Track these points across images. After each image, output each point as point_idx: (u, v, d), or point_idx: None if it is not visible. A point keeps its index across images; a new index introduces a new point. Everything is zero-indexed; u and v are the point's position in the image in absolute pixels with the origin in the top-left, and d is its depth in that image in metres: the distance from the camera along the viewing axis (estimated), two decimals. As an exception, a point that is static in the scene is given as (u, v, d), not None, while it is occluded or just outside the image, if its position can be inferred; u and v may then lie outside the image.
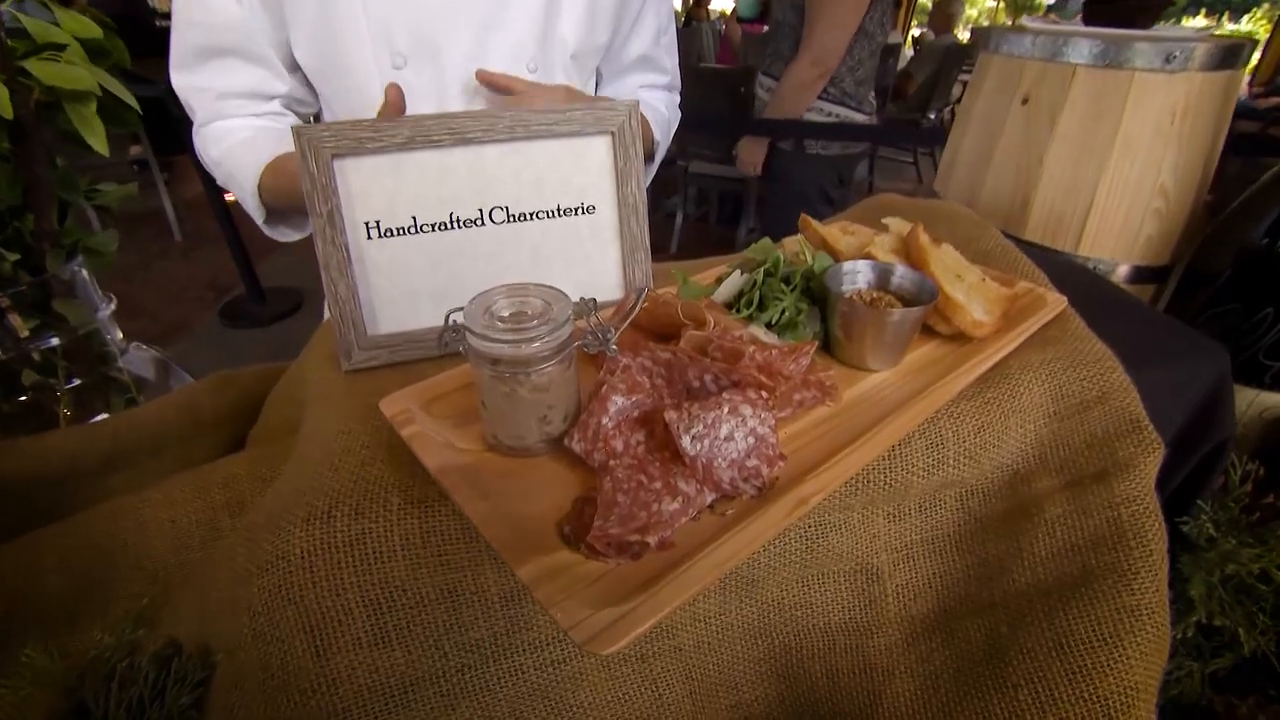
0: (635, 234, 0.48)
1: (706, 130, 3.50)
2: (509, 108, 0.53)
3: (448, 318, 0.36)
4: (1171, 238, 0.80)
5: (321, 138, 0.43)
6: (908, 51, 6.91)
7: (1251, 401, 0.75)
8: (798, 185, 2.14)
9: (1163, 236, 0.80)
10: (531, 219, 0.46)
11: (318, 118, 0.85)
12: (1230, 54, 0.73)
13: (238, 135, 0.77)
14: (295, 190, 0.58)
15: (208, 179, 3.07)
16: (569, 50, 0.84)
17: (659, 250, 4.06)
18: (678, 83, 1.06)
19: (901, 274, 0.47)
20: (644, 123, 0.88)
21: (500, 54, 0.80)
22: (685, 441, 0.33)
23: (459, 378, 0.42)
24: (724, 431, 0.34)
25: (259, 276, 3.59)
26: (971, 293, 0.49)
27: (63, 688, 0.41)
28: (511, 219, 0.46)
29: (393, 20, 0.75)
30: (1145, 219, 0.78)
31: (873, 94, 2.21)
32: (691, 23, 7.36)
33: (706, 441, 0.34)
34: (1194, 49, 0.72)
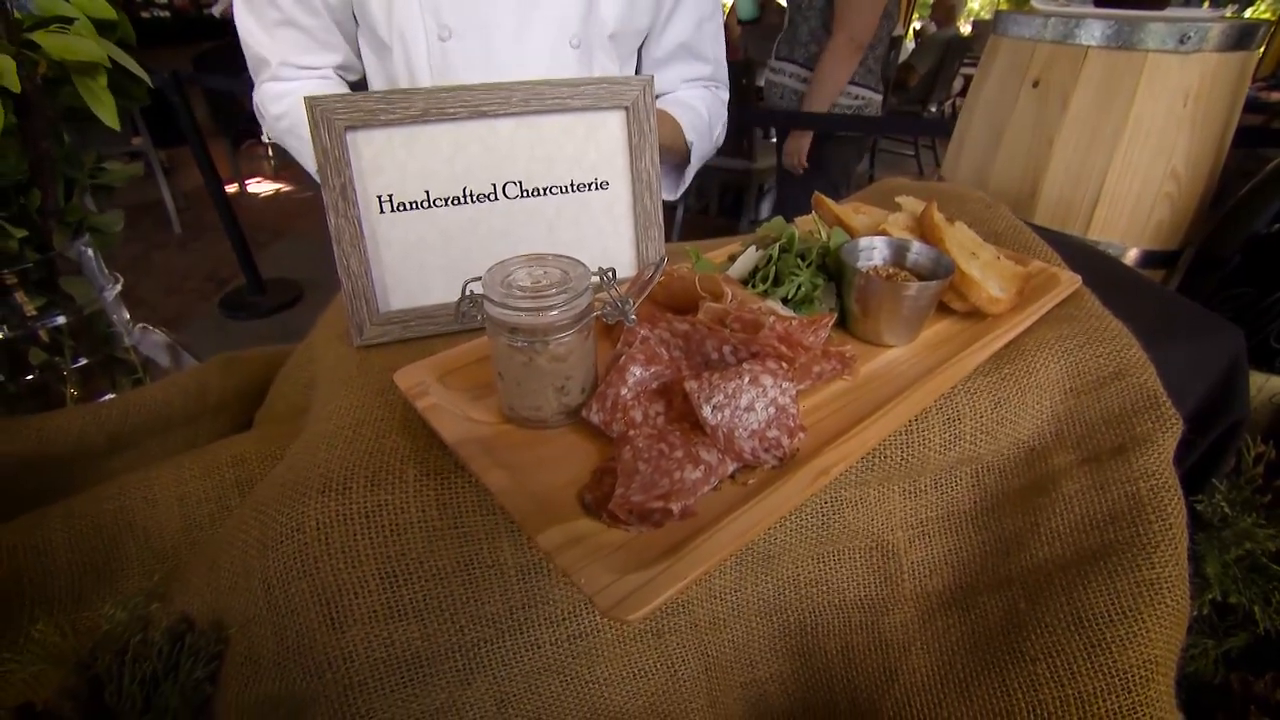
0: (649, 210, 0.48)
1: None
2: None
3: (465, 287, 0.36)
4: (1182, 222, 0.80)
5: (334, 109, 0.42)
6: (909, 44, 6.88)
7: (1262, 386, 0.75)
8: (826, 167, 2.19)
9: (1174, 221, 0.79)
10: (545, 194, 0.46)
11: (363, 84, 0.87)
12: (1246, 34, 0.73)
13: (297, 93, 0.81)
14: None
15: (208, 170, 3.06)
16: (609, 30, 0.85)
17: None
18: (724, 76, 1.04)
19: (918, 249, 0.46)
20: (675, 123, 0.88)
21: (545, 30, 0.81)
22: (706, 411, 0.33)
23: (474, 351, 0.41)
24: (744, 401, 0.34)
25: (259, 268, 3.58)
26: (987, 270, 0.48)
27: (74, 663, 0.40)
28: (525, 194, 0.46)
29: (434, 3, 0.76)
30: (1156, 203, 0.78)
31: (881, 72, 2.25)
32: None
33: (727, 411, 0.33)
34: (1209, 29, 0.71)
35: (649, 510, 0.30)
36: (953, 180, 0.94)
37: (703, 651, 0.42)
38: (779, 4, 5.08)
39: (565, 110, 0.45)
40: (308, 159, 0.82)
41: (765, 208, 3.79)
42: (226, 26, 5.78)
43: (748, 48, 4.85)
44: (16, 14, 0.48)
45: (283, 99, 0.81)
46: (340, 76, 0.85)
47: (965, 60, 5.76)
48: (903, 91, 5.62)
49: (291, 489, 0.37)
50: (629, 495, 0.30)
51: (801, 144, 2.17)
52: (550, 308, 0.32)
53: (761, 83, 2.67)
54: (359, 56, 0.85)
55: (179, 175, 5.05)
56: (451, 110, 0.44)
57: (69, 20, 0.52)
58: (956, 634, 0.43)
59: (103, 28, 0.55)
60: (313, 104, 0.43)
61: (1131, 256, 0.82)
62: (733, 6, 4.87)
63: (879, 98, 2.20)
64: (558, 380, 0.35)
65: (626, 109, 0.46)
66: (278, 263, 4.13)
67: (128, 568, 0.49)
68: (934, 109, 5.46)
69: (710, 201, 4.35)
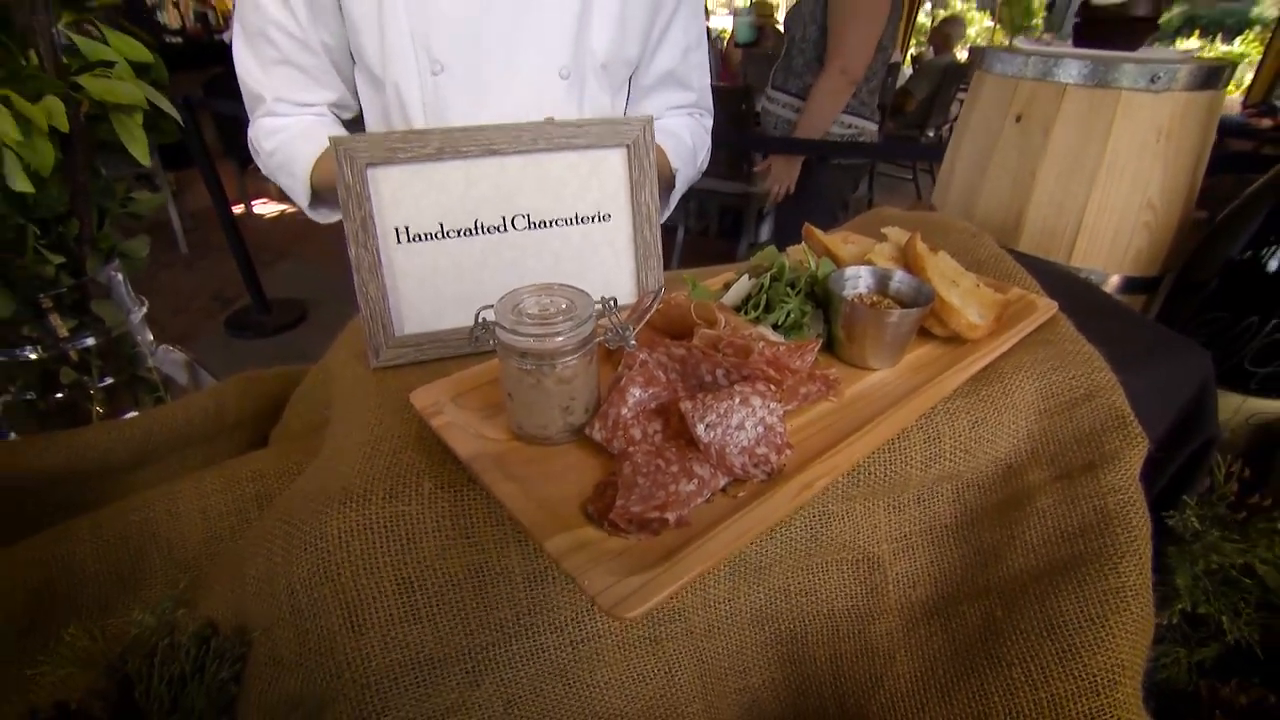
0: (648, 241, 0.51)
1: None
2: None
3: (478, 315, 0.39)
4: (1160, 250, 0.83)
5: (356, 148, 0.46)
6: (907, 70, 7.00)
7: (1239, 408, 0.77)
8: (821, 193, 2.23)
9: (1152, 249, 0.83)
10: (551, 226, 0.49)
11: (357, 121, 0.90)
12: (1212, 75, 0.76)
13: (292, 129, 0.84)
14: None
15: (216, 191, 3.11)
16: (599, 60, 0.88)
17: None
18: (708, 103, 1.07)
19: (900, 278, 0.50)
20: (661, 151, 0.91)
21: (534, 62, 0.84)
22: (700, 429, 0.36)
23: (485, 373, 0.44)
24: (735, 420, 0.37)
25: (264, 288, 3.62)
26: (966, 297, 0.52)
27: (104, 666, 0.43)
28: (532, 226, 0.49)
29: (432, 29, 0.79)
30: (1135, 232, 0.81)
31: (877, 103, 2.31)
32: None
33: (719, 429, 0.36)
34: (1177, 70, 0.75)
35: (647, 520, 0.32)
36: (942, 207, 0.98)
37: (698, 658, 0.45)
38: (776, 29, 5.19)
39: (571, 148, 0.49)
40: (299, 194, 0.84)
41: (765, 230, 3.84)
42: (236, 52, 5.88)
43: (747, 73, 4.95)
44: (65, 58, 0.52)
45: (276, 134, 0.83)
46: (335, 114, 0.87)
47: (961, 86, 5.84)
48: (900, 116, 5.71)
49: (315, 501, 0.40)
50: (629, 506, 0.33)
51: (789, 171, 2.20)
52: (557, 334, 0.35)
53: (760, 108, 2.71)
54: (354, 95, 0.88)
55: (186, 196, 5.12)
56: (465, 149, 0.47)
57: (110, 63, 0.56)
58: (938, 641, 0.45)
59: (139, 69, 0.59)
60: (337, 143, 0.46)
61: (1114, 282, 0.85)
62: (732, 30, 4.97)
63: (873, 126, 2.24)
64: (563, 401, 0.38)
65: (628, 147, 0.50)
66: (282, 283, 4.17)
67: (152, 577, 0.52)
68: (931, 133, 5.55)
69: (710, 223, 4.40)
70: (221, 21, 8.64)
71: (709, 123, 1.07)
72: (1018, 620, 0.42)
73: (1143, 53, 0.81)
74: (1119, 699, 0.39)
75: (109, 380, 0.65)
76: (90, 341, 0.63)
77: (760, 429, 0.37)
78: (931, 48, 7.07)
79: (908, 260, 0.53)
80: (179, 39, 6.82)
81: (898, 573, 0.47)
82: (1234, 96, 8.71)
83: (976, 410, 0.47)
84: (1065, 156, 0.81)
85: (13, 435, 0.63)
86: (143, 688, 0.41)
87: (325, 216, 0.88)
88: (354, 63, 0.86)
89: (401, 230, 0.48)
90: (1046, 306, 0.56)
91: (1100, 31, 0.82)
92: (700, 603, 0.44)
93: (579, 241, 0.50)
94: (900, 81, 6.31)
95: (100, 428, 0.60)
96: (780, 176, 2.20)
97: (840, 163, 2.23)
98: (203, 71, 4.83)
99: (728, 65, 5.28)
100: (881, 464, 0.45)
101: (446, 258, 0.49)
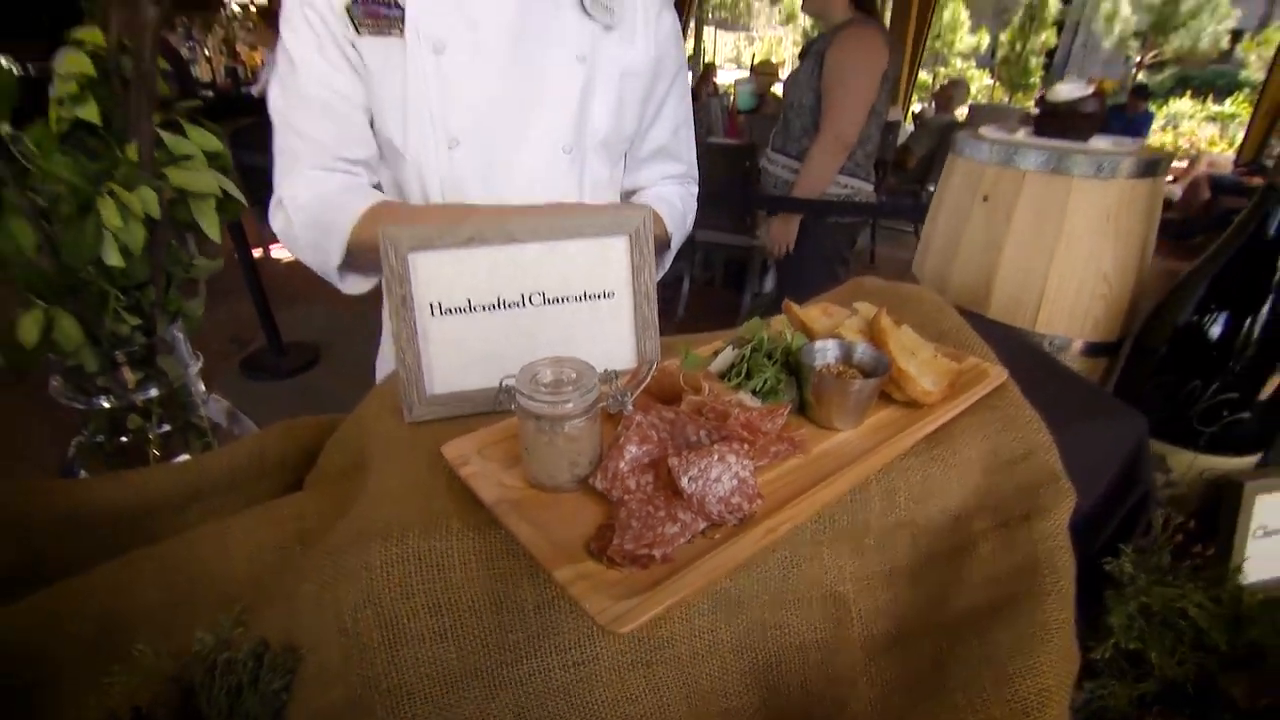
0: (646, 315, 0.59)
1: (713, 201, 3.71)
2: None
3: (501, 382, 0.47)
4: (1117, 318, 0.91)
5: (400, 236, 0.55)
6: (908, 127, 7.23)
7: (1191, 464, 0.84)
8: (820, 250, 2.35)
9: (1108, 317, 0.91)
10: (563, 303, 0.58)
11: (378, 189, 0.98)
12: (1151, 166, 0.86)
13: (329, 184, 0.89)
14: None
15: (240, 237, 3.25)
16: (600, 137, 0.98)
17: (666, 314, 4.21)
18: (694, 173, 1.19)
19: (862, 350, 0.57)
20: (657, 218, 1.01)
21: (540, 138, 0.94)
22: (684, 481, 0.43)
23: (506, 430, 0.52)
24: (714, 475, 0.44)
25: (279, 331, 3.73)
26: (923, 367, 0.59)
27: (169, 677, 0.49)
28: (547, 302, 0.58)
29: (451, 109, 0.89)
30: (1091, 302, 0.89)
31: (873, 164, 2.44)
32: (700, 98, 7.75)
33: (700, 482, 0.44)
34: (1120, 161, 0.84)
35: (638, 556, 0.40)
36: (921, 274, 1.07)
37: (685, 682, 0.51)
38: (776, 96, 5.42)
39: (581, 236, 0.58)
40: (334, 253, 0.88)
41: (768, 281, 3.95)
42: (260, 104, 6.18)
43: (752, 131, 5.15)
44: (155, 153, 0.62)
45: (315, 186, 0.89)
46: (368, 175, 0.94)
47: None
48: (901, 172, 5.89)
49: (359, 536, 0.47)
50: (623, 544, 0.40)
51: (787, 232, 2.31)
52: (567, 401, 0.43)
53: (761, 167, 2.84)
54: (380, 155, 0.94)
55: (204, 240, 5.25)
56: (491, 237, 0.56)
57: (189, 156, 0.65)
58: (895, 671, 0.52)
59: (211, 157, 0.69)
60: (384, 231, 0.55)
61: (1077, 346, 0.93)
62: (734, 97, 5.18)
63: (868, 187, 2.36)
64: (571, 456, 0.46)
65: (630, 235, 0.58)
66: (296, 326, 4.28)
67: (204, 603, 0.59)
68: (931, 188, 5.72)
69: (716, 274, 4.52)
70: (249, 75, 9.05)
71: (695, 189, 1.19)
72: (961, 652, 0.48)
73: (1090, 144, 0.90)
74: (1046, 719, 0.45)
75: (166, 427, 0.74)
76: (154, 392, 0.71)
77: (735, 481, 0.44)
78: (933, 105, 7.32)
79: (872, 333, 0.61)
80: (210, 92, 7.16)
81: (860, 610, 0.54)
82: (1228, 155, 8.92)
83: (928, 467, 0.54)
84: (1026, 234, 0.89)
85: (83, 474, 0.71)
86: (204, 696, 0.48)
87: (353, 285, 0.94)
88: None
89: (435, 305, 0.56)
90: (997, 374, 0.63)
91: (1055, 125, 0.92)
92: (686, 633, 0.51)
93: (587, 316, 0.58)
94: (901, 138, 6.52)
95: (159, 469, 0.68)
96: (779, 237, 2.31)
97: (837, 221, 2.35)
98: (231, 123, 5.07)
99: (733, 122, 5.50)
100: (845, 513, 0.53)
101: (473, 328, 0.57)
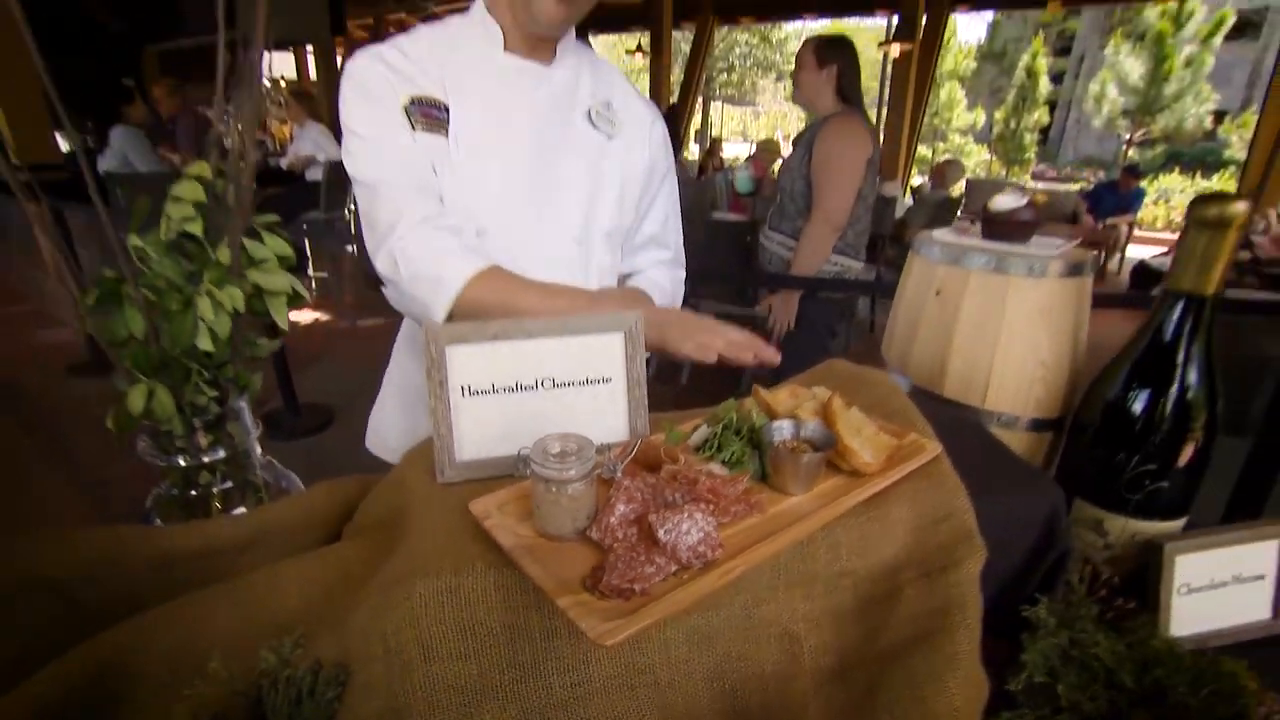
0: (637, 397, 0.72)
1: (716, 275, 3.91)
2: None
3: (519, 452, 0.60)
4: (1057, 398, 1.04)
5: (440, 332, 0.69)
6: (907, 201, 7.52)
7: (1124, 528, 0.94)
8: (814, 324, 2.50)
9: (1049, 397, 1.03)
10: (570, 386, 0.71)
11: None
12: (1077, 267, 1.00)
13: (441, 242, 1.00)
14: (495, 307, 0.91)
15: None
16: (604, 229, 1.14)
17: (671, 381, 4.37)
18: (682, 258, 1.35)
19: (812, 429, 0.70)
20: (648, 299, 1.16)
21: (553, 231, 1.10)
22: (660, 533, 0.55)
23: (520, 490, 0.64)
24: (684, 528, 0.56)
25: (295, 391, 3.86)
26: (865, 442, 0.72)
27: (240, 690, 0.61)
28: (556, 386, 0.71)
29: (480, 205, 1.06)
30: (1033, 384, 1.02)
31: (866, 241, 2.61)
32: (704, 173, 8.11)
33: (674, 534, 0.56)
34: (1049, 263, 0.98)
35: (623, 589, 0.52)
36: (889, 354, 1.20)
37: (663, 704, 0.62)
38: (772, 178, 5.70)
39: (584, 333, 0.71)
40: (430, 304, 0.98)
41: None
42: (289, 176, 6.52)
43: (755, 206, 5.41)
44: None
45: (426, 242, 0.99)
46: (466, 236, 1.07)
47: (958, 215, 6.27)
48: (898, 245, 6.11)
49: (403, 573, 0.59)
50: (611, 580, 0.52)
51: (788, 309, 2.47)
52: (570, 469, 0.56)
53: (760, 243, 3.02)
54: None
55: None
56: (512, 334, 0.70)
57: (265, 259, 0.80)
58: (839, 698, 0.62)
59: (282, 259, 0.84)
60: (426, 326, 0.69)
61: (1023, 422, 1.05)
62: (733, 180, 5.45)
63: (858, 264, 2.53)
64: (573, 512, 0.58)
65: (625, 332, 0.72)
66: (311, 387, 4.42)
67: (264, 632, 0.70)
68: (926, 261, 5.86)
69: (717, 342, 4.66)
70: (277, 148, 9.53)
71: (682, 273, 1.36)
72: (887, 679, 0.59)
73: (1024, 248, 1.05)
74: None
75: (229, 484, 0.86)
76: (221, 454, 0.84)
77: (701, 534, 0.56)
78: (930, 181, 7.61)
79: (824, 414, 0.74)
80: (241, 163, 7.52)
81: (810, 645, 0.64)
82: (1219, 230, 9.15)
83: (866, 526, 0.66)
84: (973, 324, 1.03)
85: (158, 521, 0.83)
86: (269, 705, 0.59)
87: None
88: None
89: (465, 388, 0.70)
90: (932, 449, 0.76)
91: (997, 230, 1.07)
92: (665, 661, 0.62)
93: (588, 398, 0.72)
94: (900, 212, 6.78)
95: (223, 519, 0.81)
96: (780, 314, 2.48)
97: (830, 296, 2.51)
98: (260, 193, 5.35)
99: (737, 198, 5.77)
100: (797, 563, 0.64)
101: (495, 407, 0.70)
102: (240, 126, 0.80)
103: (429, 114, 1.05)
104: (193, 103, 6.47)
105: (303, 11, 6.44)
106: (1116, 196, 9.12)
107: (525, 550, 0.57)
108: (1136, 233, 10.39)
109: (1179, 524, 0.94)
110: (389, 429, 1.29)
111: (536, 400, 0.71)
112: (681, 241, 1.35)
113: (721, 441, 0.69)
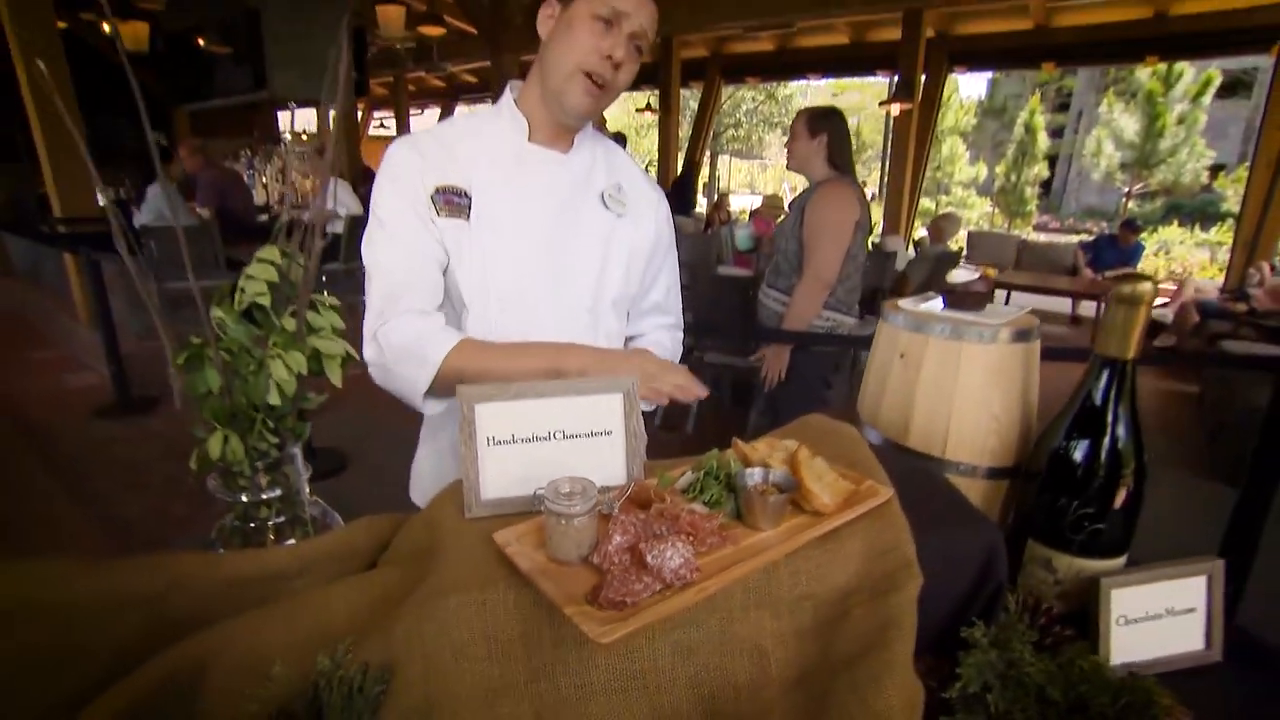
0: (634, 447, 0.86)
1: (719, 327, 4.08)
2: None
3: (535, 492, 0.73)
4: (1009, 449, 1.16)
5: (472, 393, 0.83)
6: (910, 253, 7.73)
7: (1070, 565, 1.06)
8: (806, 375, 2.65)
9: (1002, 448, 1.16)
10: (577, 438, 0.85)
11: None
12: (1024, 333, 1.14)
13: (421, 324, 1.15)
14: (472, 373, 1.04)
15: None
16: (612, 298, 1.30)
17: (678, 428, 4.49)
18: (681, 323, 1.51)
19: (778, 475, 0.83)
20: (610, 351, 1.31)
21: (566, 302, 1.26)
22: (649, 558, 0.69)
23: (536, 523, 0.78)
24: (668, 555, 0.69)
25: (311, 438, 4.04)
26: (825, 487, 0.85)
27: (300, 688, 0.73)
28: (565, 438, 0.85)
29: (500, 276, 1.21)
30: (987, 436, 1.15)
31: (859, 298, 2.76)
32: (711, 226, 8.37)
33: (660, 559, 0.69)
34: (998, 331, 1.13)
35: (617, 602, 0.65)
36: (862, 411, 1.33)
37: (652, 706, 0.74)
38: (770, 237, 5.92)
39: (590, 394, 0.86)
40: (422, 380, 1.13)
41: (770, 398, 4.22)
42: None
43: (758, 262, 5.61)
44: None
45: (409, 325, 1.13)
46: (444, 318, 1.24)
47: (961, 266, 6.41)
48: (899, 298, 6.24)
49: (438, 589, 0.72)
50: (608, 595, 0.65)
51: (779, 361, 2.62)
52: (576, 506, 0.70)
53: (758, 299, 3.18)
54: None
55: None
56: (529, 394, 0.84)
57: (321, 328, 0.96)
58: (801, 703, 0.74)
59: (336, 329, 0.99)
60: (460, 390, 0.83)
61: (982, 471, 1.18)
62: (733, 239, 5.66)
63: (850, 320, 2.68)
64: (579, 541, 0.71)
65: (624, 393, 0.87)
66: (325, 433, 4.56)
67: (316, 643, 0.82)
68: (926, 313, 6.00)
69: (724, 393, 4.81)
70: (299, 201, 9.90)
71: (681, 335, 1.51)
72: (837, 684, 0.71)
73: (977, 317, 1.19)
74: None
75: (282, 518, 1.00)
76: (278, 492, 0.98)
77: (681, 560, 0.69)
78: (930, 237, 7.82)
79: (791, 463, 0.87)
80: (265, 215, 7.89)
81: (777, 658, 0.76)
82: (1216, 281, 9.31)
83: (823, 556, 0.79)
84: (933, 384, 1.17)
85: (221, 550, 0.96)
86: (325, 700, 0.71)
87: (432, 407, 1.21)
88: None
89: (490, 439, 0.84)
90: (885, 493, 0.88)
91: (955, 301, 1.22)
92: (653, 669, 0.74)
93: (592, 446, 0.86)
94: (902, 264, 6.96)
95: (278, 549, 0.94)
96: (772, 365, 2.62)
97: (822, 350, 2.66)
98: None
99: (741, 259, 5.99)
100: (765, 587, 0.77)
101: (515, 454, 0.84)
102: (309, 219, 0.96)
103: (451, 201, 1.21)
104: (214, 159, 6.83)
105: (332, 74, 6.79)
106: (1117, 251, 9.32)
107: (540, 572, 0.70)
108: (1138, 284, 10.51)
109: (1120, 561, 1.06)
110: (427, 480, 1.42)
111: (549, 449, 0.85)
112: (681, 307, 1.51)
113: (703, 485, 0.82)
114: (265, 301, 0.93)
